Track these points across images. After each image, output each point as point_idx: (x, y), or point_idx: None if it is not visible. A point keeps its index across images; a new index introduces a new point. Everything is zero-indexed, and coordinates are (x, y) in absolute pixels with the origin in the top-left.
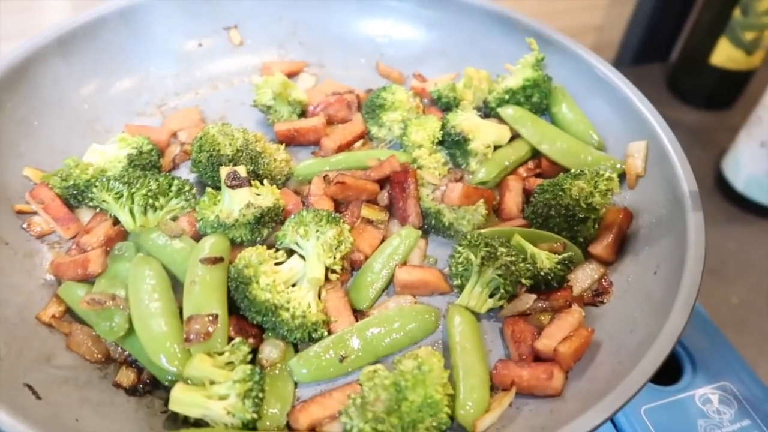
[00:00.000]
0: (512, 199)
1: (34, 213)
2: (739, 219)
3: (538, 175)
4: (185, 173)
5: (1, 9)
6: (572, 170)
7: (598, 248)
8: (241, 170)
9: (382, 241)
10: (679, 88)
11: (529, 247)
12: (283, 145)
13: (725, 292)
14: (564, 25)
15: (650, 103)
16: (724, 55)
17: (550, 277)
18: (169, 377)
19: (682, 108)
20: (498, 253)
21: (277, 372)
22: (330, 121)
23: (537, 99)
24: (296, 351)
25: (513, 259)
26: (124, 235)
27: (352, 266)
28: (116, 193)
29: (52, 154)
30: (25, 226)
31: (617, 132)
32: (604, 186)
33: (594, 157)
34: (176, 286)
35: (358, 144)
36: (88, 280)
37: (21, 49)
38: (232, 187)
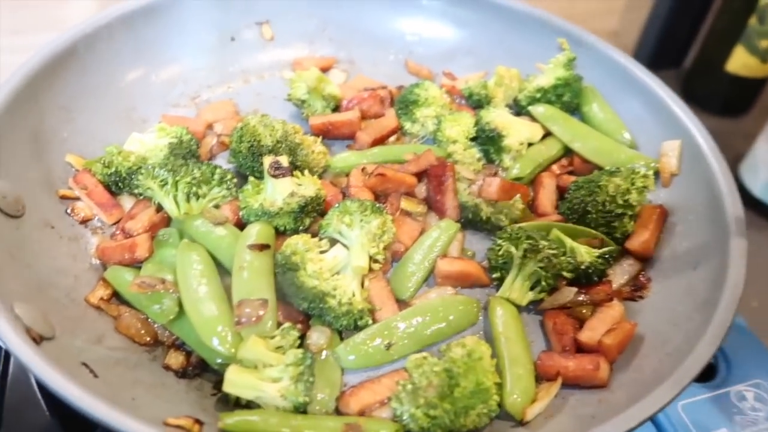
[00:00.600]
0: (546, 196)
1: (77, 199)
2: (757, 224)
3: (570, 173)
4: (222, 164)
5: (28, 2)
6: (607, 168)
7: (636, 244)
8: (284, 160)
9: (421, 233)
10: (693, 94)
11: (569, 242)
12: (320, 137)
13: (745, 295)
14: None
15: (683, 102)
16: (740, 62)
17: (590, 271)
18: (219, 360)
19: (696, 114)
20: (540, 246)
21: (323, 358)
22: (363, 116)
23: (568, 98)
24: (341, 339)
25: (554, 252)
26: (167, 221)
27: (392, 257)
28: (161, 181)
29: (92, 141)
30: (69, 211)
31: (649, 131)
32: (640, 183)
33: (627, 155)
34: (219, 272)
35: (391, 139)
36: (134, 264)
37: (66, 36)
38: (275, 176)
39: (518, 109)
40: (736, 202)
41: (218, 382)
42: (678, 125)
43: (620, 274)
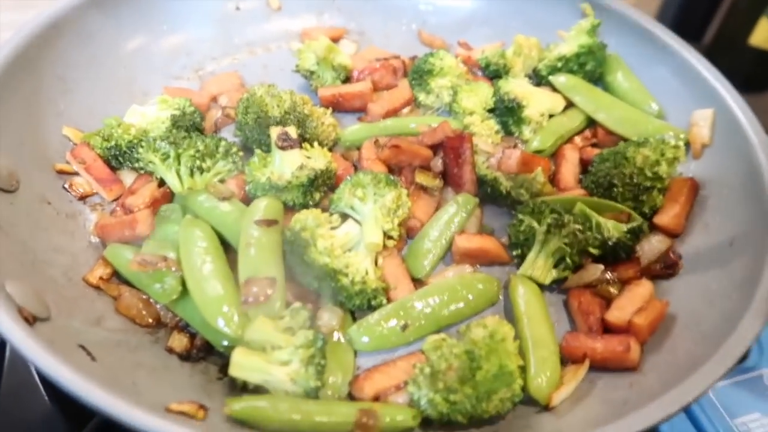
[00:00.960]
0: (569, 169)
1: (75, 173)
2: None
3: (593, 145)
4: (228, 137)
5: None
6: (633, 139)
7: (665, 219)
8: (292, 131)
9: (437, 208)
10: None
11: (595, 216)
12: (330, 109)
13: None
14: None
15: (715, 69)
16: (764, 35)
17: (618, 247)
18: (225, 342)
19: None
20: (564, 221)
21: (335, 340)
22: (375, 88)
23: (591, 67)
24: (354, 320)
25: (580, 227)
26: (169, 197)
27: (407, 233)
28: (163, 154)
29: (91, 114)
30: (66, 186)
31: (679, 100)
32: (670, 154)
33: (654, 126)
34: (224, 249)
35: (405, 111)
36: (135, 242)
37: (59, 4)
38: (283, 148)
39: (538, 79)
40: None
41: (224, 366)
42: (711, 93)
43: (649, 251)
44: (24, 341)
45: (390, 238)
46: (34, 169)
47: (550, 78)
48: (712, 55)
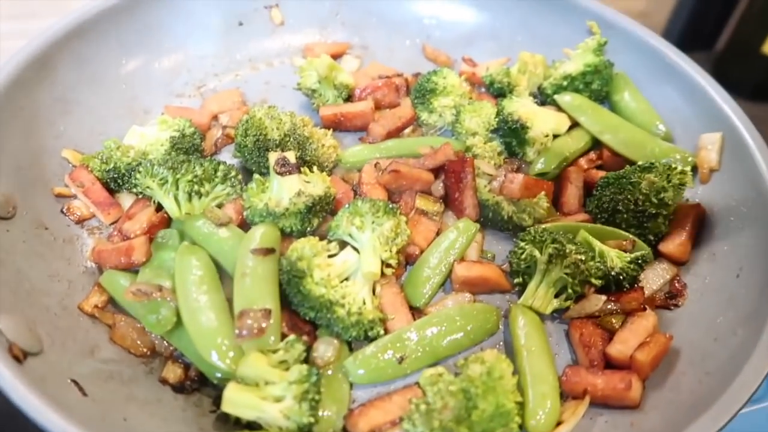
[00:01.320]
0: (573, 192)
1: (74, 197)
2: None
3: (599, 167)
4: (228, 158)
5: None
6: (640, 162)
7: (671, 246)
8: (291, 156)
9: (437, 233)
10: (725, 78)
11: (598, 245)
12: (331, 130)
13: None
14: None
15: (725, 91)
16: None
17: (621, 277)
18: (219, 374)
19: None
20: (566, 251)
21: (331, 372)
22: (377, 106)
23: (597, 86)
24: (350, 350)
25: (582, 257)
26: (167, 221)
27: (406, 260)
28: (161, 179)
29: (91, 134)
30: (64, 210)
31: (687, 122)
32: (677, 180)
33: (662, 148)
34: (222, 276)
35: (407, 130)
36: (132, 269)
37: (59, 25)
38: (281, 173)
39: (543, 97)
40: None
41: (218, 398)
42: (719, 116)
43: (653, 280)
44: (11, 383)
45: (388, 266)
46: (31, 193)
47: (555, 97)
48: (724, 63)
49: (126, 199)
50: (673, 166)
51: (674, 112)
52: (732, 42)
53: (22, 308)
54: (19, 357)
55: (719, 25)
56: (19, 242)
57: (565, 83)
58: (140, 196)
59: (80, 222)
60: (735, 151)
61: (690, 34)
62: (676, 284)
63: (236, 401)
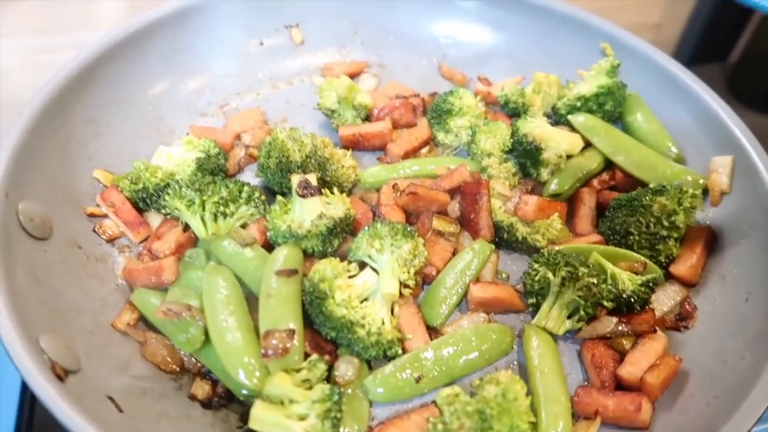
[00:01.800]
0: (586, 213)
1: (105, 216)
2: None
3: (611, 188)
4: (250, 176)
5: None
6: (652, 185)
7: (681, 269)
8: (312, 178)
9: (453, 253)
10: (740, 89)
11: (610, 267)
12: (350, 150)
13: None
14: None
15: (737, 115)
16: None
17: (632, 300)
18: (245, 391)
19: (742, 111)
20: (579, 274)
21: (351, 391)
22: (394, 126)
23: (610, 107)
24: (369, 368)
25: (594, 280)
26: (194, 241)
27: (423, 280)
28: (188, 201)
29: (120, 155)
30: (96, 229)
31: (699, 144)
32: (688, 203)
33: (673, 170)
34: (247, 294)
35: (424, 150)
36: (161, 287)
37: (91, 50)
38: (303, 196)
39: (557, 117)
40: None
41: (244, 414)
42: (730, 139)
43: (664, 301)
44: (55, 401)
45: (406, 287)
46: (65, 213)
47: (569, 117)
48: (738, 75)
49: (154, 218)
50: (685, 189)
51: (686, 134)
52: (746, 54)
53: (61, 327)
54: (62, 376)
55: (733, 36)
56: (56, 262)
57: (578, 104)
58: (168, 216)
59: (111, 240)
60: (746, 175)
61: (704, 45)
62: (687, 306)
63: (263, 419)
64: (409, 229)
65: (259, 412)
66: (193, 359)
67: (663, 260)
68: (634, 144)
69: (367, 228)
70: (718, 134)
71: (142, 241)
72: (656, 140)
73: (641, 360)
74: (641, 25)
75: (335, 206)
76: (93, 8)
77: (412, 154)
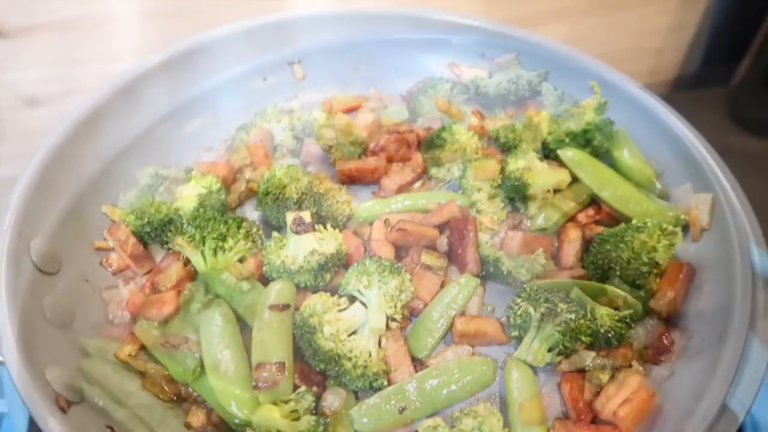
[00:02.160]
0: (571, 248)
1: (111, 249)
2: None
3: (597, 222)
4: (250, 209)
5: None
6: (634, 221)
7: (660, 303)
8: (306, 216)
9: (442, 286)
10: (742, 114)
11: (589, 303)
12: (345, 186)
13: None
14: (622, 48)
15: (719, 156)
16: None
17: (610, 335)
18: (237, 420)
19: (744, 136)
20: (558, 310)
21: (338, 420)
22: (389, 159)
23: (598, 142)
24: (356, 398)
25: (572, 316)
26: (194, 274)
27: (411, 313)
28: (189, 237)
29: (128, 189)
30: (103, 262)
31: (681, 181)
32: (667, 241)
33: (656, 206)
34: (242, 325)
35: (417, 184)
36: (162, 320)
37: (103, 90)
38: (297, 232)
39: (546, 151)
40: None
41: None
42: (710, 179)
43: (642, 335)
44: None
45: (393, 320)
46: (74, 248)
47: (558, 152)
48: (740, 100)
49: (157, 250)
50: (664, 226)
51: (669, 170)
52: (747, 79)
53: (67, 359)
54: (65, 408)
55: (736, 60)
56: (65, 296)
57: (567, 139)
58: (170, 251)
59: (116, 273)
60: (725, 213)
61: (705, 70)
62: (665, 340)
63: None
64: (396, 265)
65: None
66: (188, 388)
67: (644, 295)
68: (620, 180)
69: (356, 264)
70: (699, 173)
71: (145, 273)
72: (642, 175)
73: (615, 393)
74: (643, 50)
75: (328, 242)
76: (111, 41)
77: (405, 188)
